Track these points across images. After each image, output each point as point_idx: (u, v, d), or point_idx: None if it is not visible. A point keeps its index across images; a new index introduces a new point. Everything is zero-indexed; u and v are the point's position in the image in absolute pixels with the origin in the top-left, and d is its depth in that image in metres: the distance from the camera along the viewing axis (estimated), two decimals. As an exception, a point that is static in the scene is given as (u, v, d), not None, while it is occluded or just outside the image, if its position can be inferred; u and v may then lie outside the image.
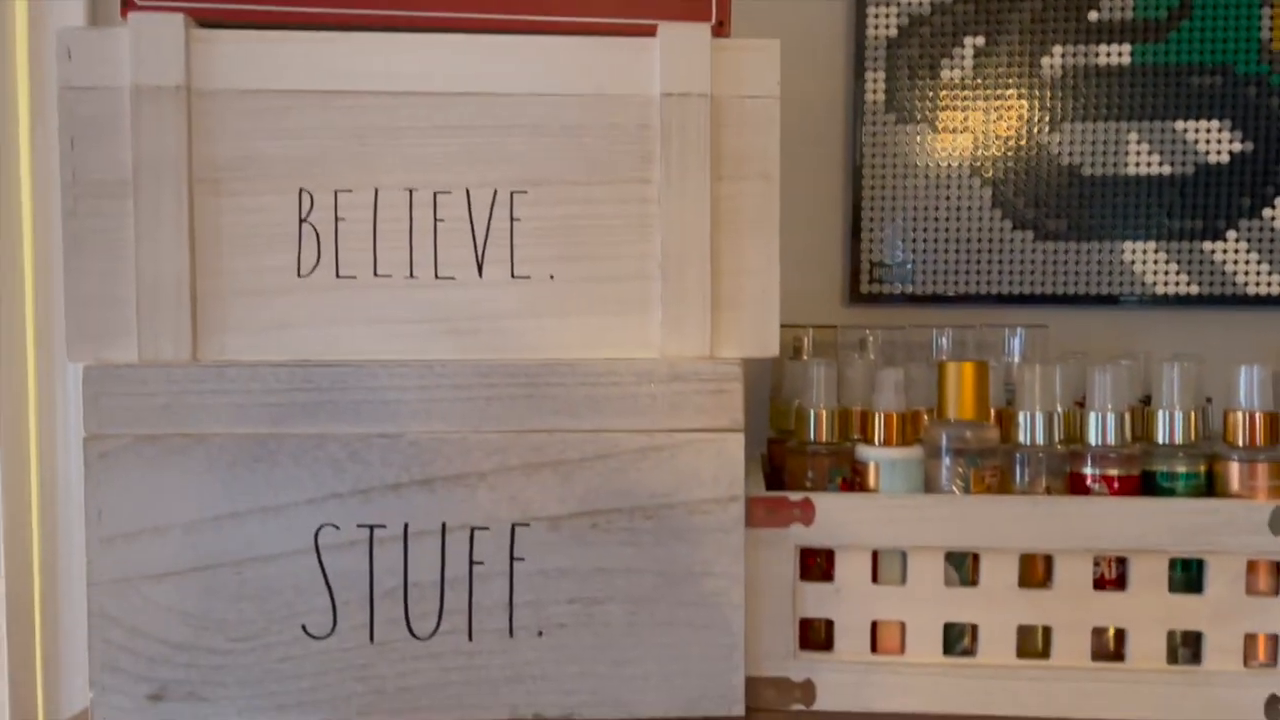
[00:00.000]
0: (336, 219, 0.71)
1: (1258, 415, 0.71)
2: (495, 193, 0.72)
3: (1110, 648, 0.71)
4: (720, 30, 0.76)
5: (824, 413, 0.75)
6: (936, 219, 0.97)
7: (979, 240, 0.97)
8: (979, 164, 0.96)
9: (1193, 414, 0.73)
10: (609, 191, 0.72)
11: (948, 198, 0.97)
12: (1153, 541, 0.69)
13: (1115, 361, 0.74)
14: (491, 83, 0.72)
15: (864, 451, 0.73)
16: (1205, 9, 0.93)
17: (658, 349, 0.72)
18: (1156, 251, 0.95)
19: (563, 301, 0.72)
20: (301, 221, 0.71)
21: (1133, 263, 0.96)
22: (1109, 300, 0.96)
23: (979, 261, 0.97)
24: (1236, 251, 0.94)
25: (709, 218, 0.72)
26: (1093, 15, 0.94)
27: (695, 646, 0.70)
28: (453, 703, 0.70)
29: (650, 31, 0.71)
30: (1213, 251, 0.95)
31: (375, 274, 0.71)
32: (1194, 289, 0.95)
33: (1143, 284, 0.96)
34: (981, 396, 0.73)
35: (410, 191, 0.71)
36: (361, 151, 0.71)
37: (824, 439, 0.75)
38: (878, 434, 0.73)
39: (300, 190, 0.71)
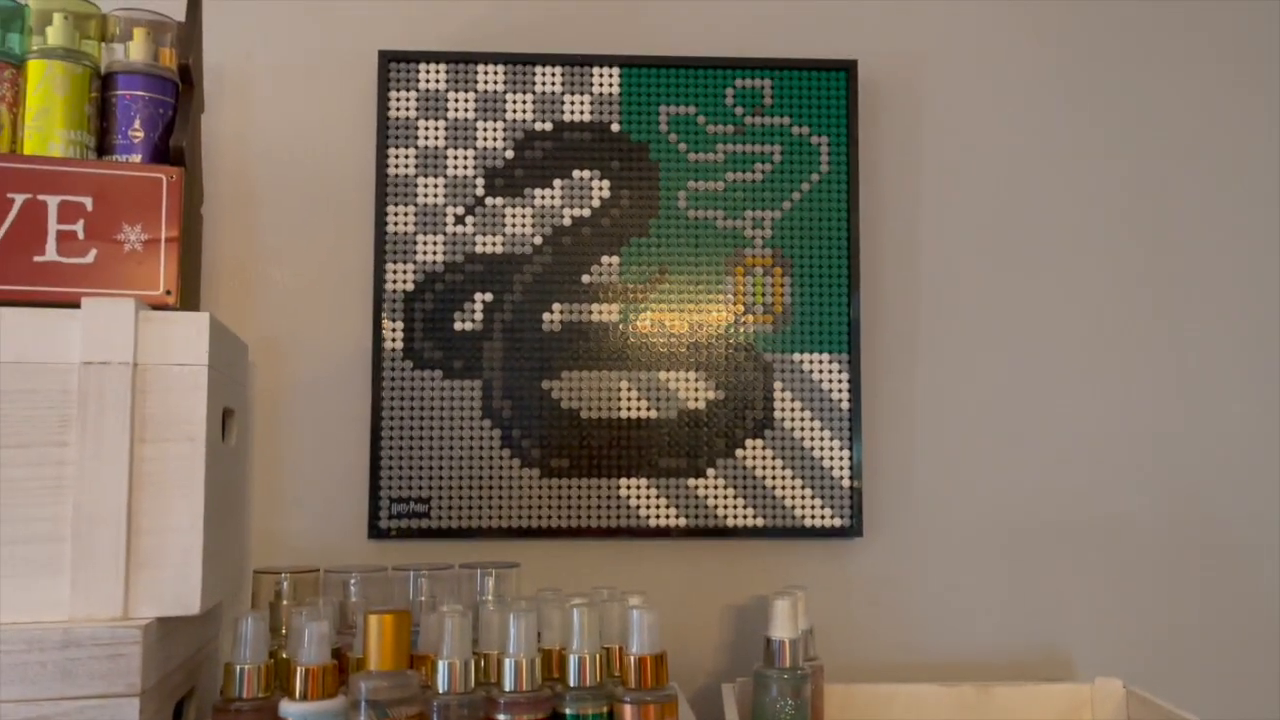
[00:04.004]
0: None
1: (647, 659, 0.78)
2: (-103, 456, 0.72)
3: None
4: (167, 300, 0.81)
5: (249, 668, 0.77)
6: (452, 458, 1.04)
7: (491, 478, 1.04)
8: (489, 407, 1.04)
9: (599, 656, 0.80)
10: (22, 455, 0.73)
11: (461, 438, 1.04)
12: (538, 786, 0.73)
13: (531, 604, 0.80)
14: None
15: (284, 707, 0.75)
16: (679, 276, 1.06)
17: (68, 610, 0.73)
18: (649, 488, 1.05)
19: (-35, 566, 0.72)
20: None
21: (628, 497, 1.05)
22: (611, 533, 1.04)
23: (492, 498, 1.04)
24: (716, 488, 1.05)
25: (127, 480, 0.74)
26: (585, 278, 1.06)
27: None
28: None
29: (75, 301, 0.75)
30: (696, 487, 1.05)
31: None
32: (682, 521, 1.05)
33: (638, 517, 1.05)
34: (401, 645, 0.77)
35: None
36: None
37: (249, 695, 0.77)
38: (297, 687, 0.75)
39: None
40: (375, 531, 1.02)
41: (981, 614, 1.08)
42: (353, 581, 0.90)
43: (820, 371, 1.06)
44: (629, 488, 1.05)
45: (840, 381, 1.06)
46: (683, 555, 1.06)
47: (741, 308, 1.07)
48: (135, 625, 0.71)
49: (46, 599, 0.72)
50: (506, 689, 0.77)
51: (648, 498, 1.05)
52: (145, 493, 0.75)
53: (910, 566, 1.08)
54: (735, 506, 1.05)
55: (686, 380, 1.06)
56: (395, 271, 1.05)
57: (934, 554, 1.08)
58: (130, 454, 0.74)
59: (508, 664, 0.78)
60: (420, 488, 1.03)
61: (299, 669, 0.76)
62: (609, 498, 1.05)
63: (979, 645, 1.07)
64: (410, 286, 1.05)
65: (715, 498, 1.05)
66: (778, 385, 1.06)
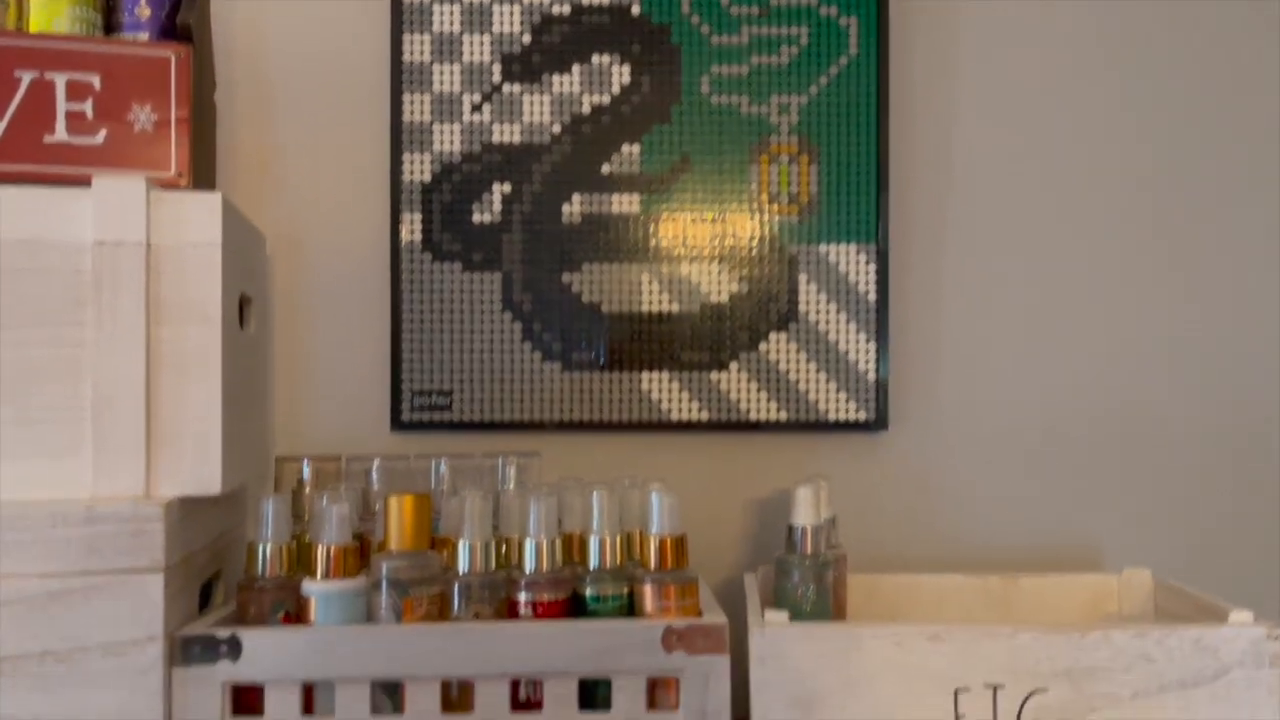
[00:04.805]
0: None
1: (667, 539, 0.78)
2: (-87, 335, 0.72)
3: (533, 767, 0.74)
4: (179, 182, 0.79)
5: (270, 547, 0.77)
6: (473, 351, 1.03)
7: (512, 371, 1.03)
8: (510, 300, 1.03)
9: (620, 538, 0.79)
10: (39, 334, 0.73)
11: (482, 331, 1.03)
12: (558, 664, 0.73)
13: (552, 489, 0.80)
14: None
15: (306, 586, 0.76)
16: (702, 165, 1.04)
17: (91, 489, 0.73)
18: (671, 381, 1.04)
19: (-14, 444, 0.72)
20: None
21: (650, 391, 1.04)
22: (633, 426, 1.04)
23: (513, 391, 1.03)
24: (739, 381, 1.04)
25: (144, 360, 0.74)
26: (605, 168, 1.03)
27: (108, 793, 0.70)
28: None
29: (86, 181, 0.74)
30: (719, 381, 1.04)
31: None
32: (705, 415, 1.04)
33: (660, 411, 1.04)
34: (422, 527, 0.77)
35: None
36: None
37: (273, 573, 0.77)
38: (319, 567, 0.76)
39: None
40: (398, 424, 1.02)
41: (1008, 509, 1.06)
42: (374, 469, 0.90)
43: (846, 262, 1.04)
44: (651, 381, 1.04)
45: (867, 273, 1.04)
46: (705, 449, 1.05)
47: (766, 197, 1.04)
48: (157, 503, 0.71)
49: (69, 478, 0.73)
50: (528, 570, 0.78)
51: (670, 391, 1.04)
52: (163, 374, 0.74)
53: (936, 461, 1.06)
54: (758, 400, 1.04)
55: (709, 273, 1.04)
56: (412, 162, 1.03)
57: (960, 448, 1.07)
58: (146, 335, 0.74)
59: (529, 545, 0.78)
60: (442, 381, 1.03)
61: (321, 548, 0.76)
62: (631, 391, 1.04)
63: (1005, 540, 1.06)
64: (427, 178, 1.03)
65: (738, 391, 1.04)
66: (803, 277, 1.04)
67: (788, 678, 0.73)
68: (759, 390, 1.04)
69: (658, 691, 0.75)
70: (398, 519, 0.77)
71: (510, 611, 0.77)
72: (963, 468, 1.07)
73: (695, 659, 0.74)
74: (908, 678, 0.73)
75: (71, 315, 0.73)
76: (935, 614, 0.96)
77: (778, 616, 0.75)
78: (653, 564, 0.78)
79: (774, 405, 1.04)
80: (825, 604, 0.86)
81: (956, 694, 0.73)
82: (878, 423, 1.04)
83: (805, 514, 0.87)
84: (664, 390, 1.04)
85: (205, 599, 0.83)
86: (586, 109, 1.03)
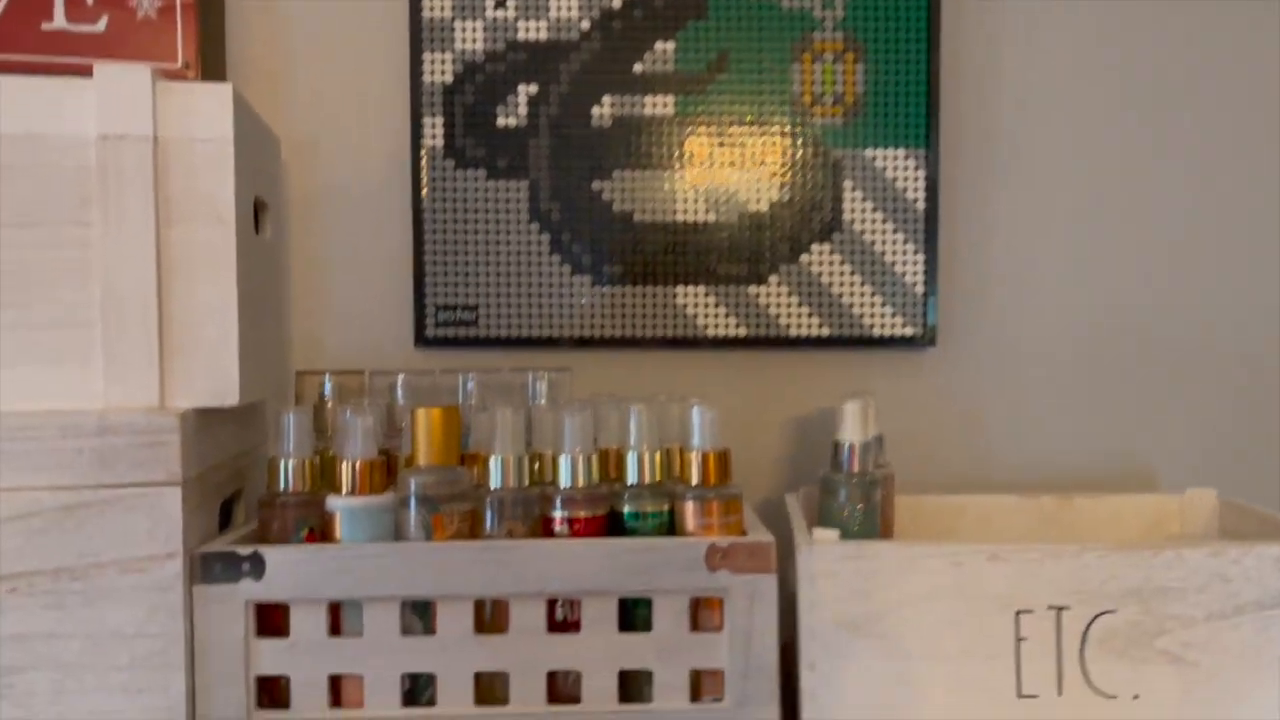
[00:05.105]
0: None
1: (710, 454, 0.74)
2: (-89, 236, 0.68)
3: (570, 689, 0.71)
4: (186, 74, 0.74)
5: (293, 462, 0.73)
6: (498, 263, 0.98)
7: (540, 284, 0.98)
8: (537, 210, 0.98)
9: (659, 454, 0.75)
10: (42, 235, 0.68)
11: (508, 242, 0.98)
12: (597, 583, 0.70)
13: (586, 404, 0.76)
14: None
15: (331, 501, 0.72)
16: (741, 64, 0.97)
17: (102, 399, 0.69)
18: (706, 295, 0.99)
19: (-9, 351, 0.68)
20: None
21: (685, 306, 0.99)
22: (667, 343, 0.99)
23: (541, 305, 0.98)
24: (778, 295, 0.99)
25: (154, 262, 0.69)
26: (638, 68, 0.97)
27: (131, 713, 0.67)
28: None
29: (86, 71, 0.69)
30: (757, 295, 0.99)
31: None
32: (742, 331, 0.99)
33: (695, 326, 0.99)
34: (451, 441, 0.73)
35: None
36: None
37: (295, 489, 0.73)
38: (344, 482, 0.72)
39: None
40: (422, 340, 0.98)
41: (1060, 428, 1.01)
42: (399, 384, 0.86)
43: (894, 168, 0.98)
44: (686, 295, 0.99)
45: (916, 180, 0.98)
46: (743, 366, 1.01)
47: (809, 99, 0.98)
48: (173, 413, 0.68)
49: (79, 387, 0.69)
50: (563, 486, 0.74)
51: (706, 306, 0.99)
52: (175, 276, 0.70)
53: (985, 379, 1.01)
54: (799, 315, 0.99)
55: (748, 180, 0.98)
56: (433, 62, 0.97)
57: (1012, 365, 1.01)
58: (156, 235, 0.69)
59: (563, 461, 0.74)
60: (467, 295, 0.98)
61: (346, 463, 0.72)
62: (665, 306, 0.99)
63: (1056, 461, 1.01)
64: (449, 79, 0.97)
65: (778, 306, 0.99)
66: (847, 184, 0.98)
67: (837, 597, 0.70)
68: (800, 304, 0.99)
69: (701, 612, 0.72)
70: (426, 432, 0.73)
71: (545, 529, 0.73)
72: (1013, 386, 1.02)
73: (740, 578, 0.70)
74: (965, 599, 0.69)
75: (76, 214, 0.69)
76: (984, 536, 0.92)
77: (827, 534, 0.71)
78: (694, 480, 0.74)
79: (815, 320, 0.99)
80: (873, 524, 0.82)
81: (1018, 616, 0.69)
82: (925, 339, 0.99)
83: (852, 430, 0.83)
84: (699, 305, 0.99)
85: (225, 521, 0.80)
86: (617, 3, 0.97)
